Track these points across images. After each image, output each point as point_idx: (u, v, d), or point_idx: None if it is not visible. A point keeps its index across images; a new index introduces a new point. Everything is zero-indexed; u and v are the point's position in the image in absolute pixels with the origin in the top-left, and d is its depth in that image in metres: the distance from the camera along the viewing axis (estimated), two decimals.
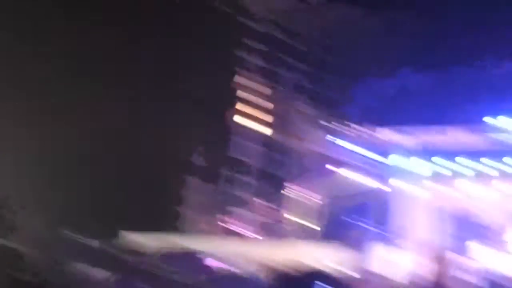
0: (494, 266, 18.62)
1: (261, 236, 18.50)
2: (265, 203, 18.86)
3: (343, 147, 21.09)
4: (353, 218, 20.88)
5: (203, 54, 17.67)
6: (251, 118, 18.41)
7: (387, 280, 18.03)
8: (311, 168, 20.21)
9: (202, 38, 17.78)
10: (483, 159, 20.99)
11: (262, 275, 15.91)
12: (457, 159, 21.19)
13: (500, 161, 20.65)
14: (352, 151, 21.48)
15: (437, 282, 17.95)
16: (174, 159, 18.34)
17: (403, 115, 18.82)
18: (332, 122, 20.01)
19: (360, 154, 22.07)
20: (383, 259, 20.83)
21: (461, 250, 20.84)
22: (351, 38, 18.51)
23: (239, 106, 18.56)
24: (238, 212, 18.72)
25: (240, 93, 19.14)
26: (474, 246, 19.51)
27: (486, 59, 17.98)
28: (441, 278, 18.86)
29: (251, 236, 18.37)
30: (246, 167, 18.71)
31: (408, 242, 20.70)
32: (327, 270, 17.78)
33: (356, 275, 18.04)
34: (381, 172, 22.97)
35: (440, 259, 20.22)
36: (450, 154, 21.05)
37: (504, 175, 21.10)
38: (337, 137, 20.70)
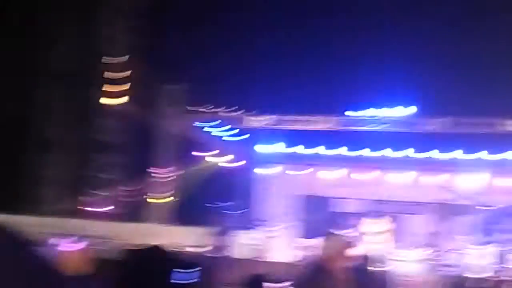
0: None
1: (122, 217, 18.13)
2: (127, 185, 18.49)
3: (209, 132, 21.07)
4: (215, 202, 20.95)
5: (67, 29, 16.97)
6: (115, 98, 17.88)
7: (248, 262, 18.25)
8: (176, 152, 20.04)
9: (62, 13, 17.06)
10: (342, 149, 21.78)
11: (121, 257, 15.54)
12: (319, 148, 21.83)
13: (359, 151, 21.52)
14: (218, 136, 21.54)
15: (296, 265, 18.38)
16: (33, 137, 17.51)
17: (269, 103, 19.11)
18: (200, 108, 19.94)
19: (226, 140, 22.23)
20: (246, 242, 21.17)
21: (318, 235, 21.49)
22: None
23: (103, 86, 17.95)
24: (99, 193, 18.21)
25: (104, 73, 18.51)
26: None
27: (349, 57, 18.53)
28: (298, 261, 19.40)
29: (112, 217, 17.96)
30: (109, 147, 18.19)
31: (269, 226, 21.06)
32: (188, 252, 17.74)
33: (218, 258, 18.11)
34: (246, 158, 23.29)
35: (301, 244, 20.79)
36: (312, 143, 21.64)
37: (361, 164, 22.00)
38: (204, 123, 20.65)
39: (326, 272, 5.13)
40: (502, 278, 16.34)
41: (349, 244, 6.32)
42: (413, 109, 18.50)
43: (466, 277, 16.42)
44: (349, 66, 18.24)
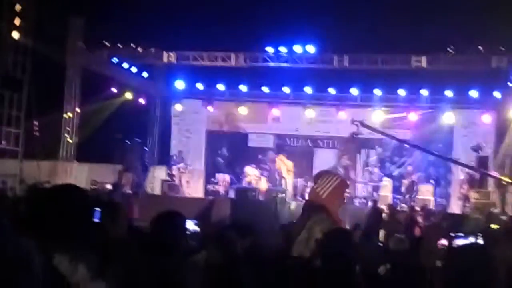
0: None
1: (33, 155, 17.74)
2: (38, 122, 17.99)
3: (124, 68, 20.68)
4: (129, 139, 20.79)
5: None
6: (17, 32, 17.10)
7: (163, 198, 18.41)
8: (89, 88, 19.60)
9: None
10: (264, 88, 21.96)
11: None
12: (235, 84, 21.93)
13: (280, 89, 21.77)
14: (133, 72, 21.20)
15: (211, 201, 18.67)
16: None
17: (185, 40, 18.89)
18: (117, 44, 19.46)
19: (143, 77, 21.92)
20: (161, 178, 21.26)
21: (233, 171, 21.81)
22: None
23: (5, 20, 17.09)
24: (7, 130, 17.66)
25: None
26: (247, 169, 20.48)
27: None
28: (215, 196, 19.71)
29: (22, 155, 17.56)
30: (15, 83, 17.52)
31: (184, 162, 21.17)
32: (102, 189, 17.68)
33: (133, 194, 18.16)
34: (162, 94, 23.12)
35: (220, 181, 21.06)
36: (227, 79, 21.68)
37: (279, 102, 22.30)
38: (118, 59, 20.22)
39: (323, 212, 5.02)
40: (412, 207, 17.14)
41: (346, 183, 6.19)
42: (312, 47, 18.81)
43: (378, 208, 17.12)
44: (255, 5, 18.21)
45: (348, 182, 20.06)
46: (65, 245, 1.69)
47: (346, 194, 5.71)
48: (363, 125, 17.83)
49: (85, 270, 1.67)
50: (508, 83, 19.47)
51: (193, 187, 21.44)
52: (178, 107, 22.97)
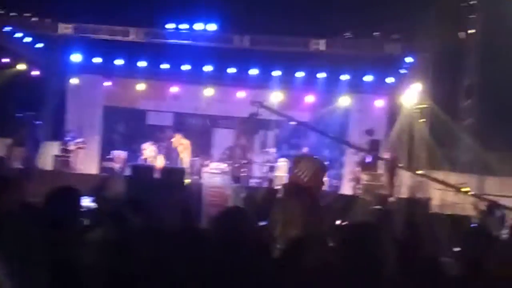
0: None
1: None
2: None
3: (17, 39, 19.84)
4: (21, 112, 20.03)
5: None
6: None
7: (56, 174, 17.93)
8: None
9: None
10: (163, 65, 21.68)
11: None
12: (139, 63, 21.53)
13: (177, 65, 21.55)
14: (26, 43, 20.39)
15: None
16: None
17: (85, 12, 18.31)
18: (10, 13, 18.60)
19: (38, 48, 21.13)
20: (54, 153, 20.67)
21: (130, 149, 21.52)
22: None
23: None
24: None
25: None
26: (145, 146, 20.28)
27: None
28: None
29: None
30: None
31: (79, 137, 20.66)
32: None
33: (25, 169, 17.56)
34: (56, 67, 22.36)
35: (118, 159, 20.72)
36: (126, 54, 21.27)
37: (179, 80, 22.11)
38: (11, 28, 19.35)
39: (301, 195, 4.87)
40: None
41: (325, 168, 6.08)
42: (213, 26, 18.83)
43: (274, 188, 17.42)
44: None
45: (245, 162, 20.48)
46: None
47: (324, 178, 5.72)
48: (263, 106, 18.07)
49: None
50: (401, 70, 20.26)
51: (88, 164, 20.96)
52: (74, 81, 22.31)
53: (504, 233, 9.44)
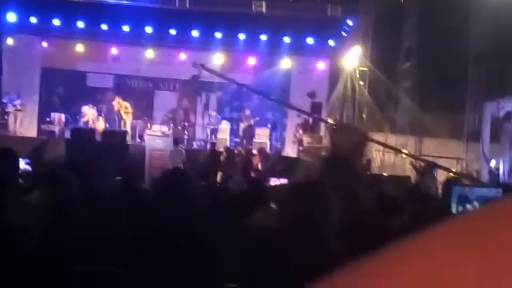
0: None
1: None
2: None
3: None
4: None
5: None
6: None
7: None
8: None
9: None
10: (103, 26, 21.20)
11: None
12: (78, 23, 21.01)
13: (118, 26, 21.11)
14: None
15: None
16: None
17: None
18: None
19: None
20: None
21: (70, 111, 21.12)
22: None
23: None
24: None
25: None
26: (85, 108, 19.98)
27: None
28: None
29: None
30: None
31: (17, 99, 20.07)
32: None
33: None
34: None
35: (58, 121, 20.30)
36: (65, 14, 20.72)
37: (119, 41, 21.69)
38: None
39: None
40: (249, 150, 17.62)
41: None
42: None
43: (216, 151, 17.44)
44: None
45: (187, 124, 20.40)
46: None
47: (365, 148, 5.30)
48: (204, 68, 17.92)
49: None
50: (342, 33, 20.38)
51: (26, 127, 20.46)
52: (9, 42, 21.58)
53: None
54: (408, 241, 0.69)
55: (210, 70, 18.66)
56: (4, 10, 20.70)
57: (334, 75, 21.12)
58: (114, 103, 20.17)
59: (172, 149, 16.78)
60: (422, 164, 13.02)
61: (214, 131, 20.39)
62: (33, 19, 21.11)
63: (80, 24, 21.06)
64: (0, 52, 21.52)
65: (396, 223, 4.11)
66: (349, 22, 19.65)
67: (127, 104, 20.09)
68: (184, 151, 16.99)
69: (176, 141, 17.18)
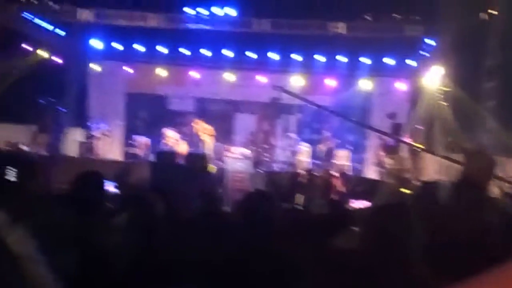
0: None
1: None
2: None
3: (37, 24, 19.94)
4: (45, 99, 20.16)
5: None
6: None
7: (80, 160, 18.04)
8: (5, 46, 18.77)
9: None
10: (183, 50, 21.70)
11: None
12: (160, 48, 21.60)
13: (198, 50, 21.56)
14: (47, 29, 20.48)
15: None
16: None
17: None
18: None
19: (59, 35, 21.21)
20: (78, 140, 20.83)
21: (153, 134, 21.58)
22: None
23: None
24: None
25: None
26: (167, 132, 20.36)
27: None
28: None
29: None
30: None
31: (101, 123, 20.70)
32: (18, 151, 17.15)
33: (50, 156, 17.69)
34: (78, 53, 22.45)
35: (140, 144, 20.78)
36: (147, 40, 21.32)
37: (199, 65, 22.12)
38: (31, 14, 19.44)
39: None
40: (329, 172, 17.53)
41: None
42: (232, 10, 18.80)
43: (296, 173, 17.41)
44: None
45: (267, 147, 20.49)
46: None
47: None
48: (284, 90, 18.03)
49: (4, 216, 1.62)
50: (423, 52, 20.05)
51: (112, 150, 21.10)
52: (96, 68, 22.44)
53: None
54: None
55: (290, 93, 18.74)
56: (90, 37, 21.55)
57: (415, 96, 20.77)
58: (196, 126, 20.48)
59: (252, 172, 16.86)
60: (507, 185, 12.57)
61: (294, 153, 20.38)
62: (117, 45, 21.88)
63: (162, 49, 21.65)
64: (87, 78, 22.38)
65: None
66: (430, 42, 19.32)
67: (208, 127, 20.35)
68: (264, 174, 17.05)
69: (257, 164, 17.29)
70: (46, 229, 1.74)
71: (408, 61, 20.99)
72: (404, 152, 19.61)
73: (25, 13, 19.25)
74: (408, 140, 19.11)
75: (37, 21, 19.81)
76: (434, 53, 19.15)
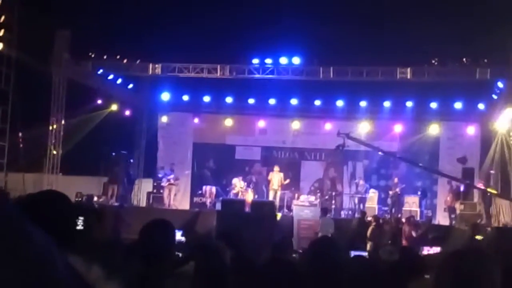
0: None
1: (19, 168, 17.60)
2: (23, 134, 17.84)
3: (109, 80, 20.56)
4: (115, 151, 20.68)
5: None
6: None
7: (149, 210, 18.28)
8: (74, 100, 19.44)
9: None
10: (250, 100, 21.97)
11: None
12: (227, 99, 21.95)
13: (266, 101, 21.77)
14: (118, 84, 21.08)
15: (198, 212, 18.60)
16: None
17: (172, 52, 18.81)
18: (103, 56, 19.36)
19: (129, 89, 21.77)
20: (147, 190, 21.17)
21: (220, 183, 21.72)
22: None
23: None
24: None
25: None
26: (234, 180, 20.43)
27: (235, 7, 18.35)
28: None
29: (8, 168, 17.38)
30: None
31: (170, 174, 20.97)
32: (90, 202, 17.55)
33: (119, 206, 18.01)
34: (147, 106, 22.98)
35: (209, 192, 20.94)
36: (218, 91, 21.67)
37: (266, 114, 22.29)
38: (103, 70, 20.08)
39: None
40: (399, 219, 17.23)
41: None
42: (298, 59, 18.92)
43: (365, 219, 17.14)
44: (241, 17, 18.14)
45: (334, 194, 20.30)
46: (75, 246, 1.67)
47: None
48: (349, 137, 17.91)
49: (100, 269, 1.65)
50: (493, 95, 19.63)
51: (180, 200, 21.35)
52: (164, 119, 22.94)
53: None
54: None
55: (355, 139, 18.61)
56: (159, 90, 22.12)
57: (485, 140, 20.32)
58: (272, 173, 20.33)
59: (322, 219, 16.69)
60: None
61: (362, 200, 20.12)
62: (185, 97, 22.36)
63: (229, 99, 21.98)
64: (156, 129, 22.89)
65: None
66: (500, 84, 18.91)
67: (281, 175, 20.19)
68: (333, 221, 16.86)
69: (325, 211, 17.12)
70: (116, 273, 1.77)
71: (478, 105, 20.58)
72: (476, 198, 19.10)
73: (98, 69, 19.90)
74: (479, 185, 18.62)
75: (109, 76, 20.46)
76: (505, 95, 18.71)
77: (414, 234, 15.71)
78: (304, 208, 18.21)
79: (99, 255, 1.66)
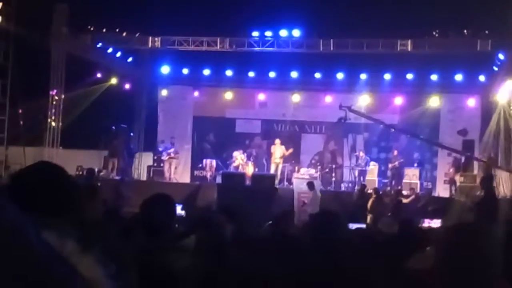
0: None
1: (18, 142, 17.62)
2: (22, 108, 17.82)
3: (109, 53, 20.46)
4: (116, 125, 20.68)
5: None
6: None
7: (149, 183, 18.33)
8: (73, 74, 19.37)
9: None
10: (250, 73, 21.88)
11: None
12: (226, 72, 21.85)
13: (266, 74, 21.67)
14: (118, 58, 20.99)
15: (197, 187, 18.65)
16: None
17: (172, 25, 18.70)
18: (102, 29, 19.24)
19: (128, 62, 21.67)
20: (147, 164, 21.22)
21: (220, 157, 21.74)
22: None
23: None
24: None
25: None
26: (235, 153, 20.44)
27: None
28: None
29: (8, 141, 17.40)
30: None
31: (171, 147, 20.97)
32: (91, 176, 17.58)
33: (120, 179, 18.06)
34: (148, 80, 22.91)
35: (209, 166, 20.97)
36: (213, 64, 21.59)
37: (266, 87, 22.22)
38: (103, 44, 19.97)
39: None
40: (398, 191, 17.30)
41: None
42: (297, 32, 18.82)
43: (365, 192, 17.19)
44: None
45: (335, 167, 20.33)
46: (49, 222, 1.66)
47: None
48: (351, 110, 17.88)
49: (75, 244, 1.65)
50: (493, 67, 19.55)
51: (180, 173, 21.37)
52: (164, 93, 22.88)
53: None
54: None
55: (357, 112, 18.58)
56: (158, 64, 22.02)
57: (486, 112, 20.28)
58: (274, 146, 20.31)
59: (320, 192, 16.71)
60: None
61: (362, 173, 20.13)
62: (185, 71, 22.26)
63: (229, 72, 21.89)
64: (156, 103, 22.85)
65: None
66: (501, 56, 18.82)
67: (283, 148, 20.15)
68: (332, 193, 16.89)
69: (324, 184, 17.16)
70: (116, 253, 1.76)
71: (478, 77, 20.50)
72: (476, 170, 19.13)
73: (97, 43, 19.81)
74: (480, 156, 18.63)
75: (108, 50, 20.36)
76: (505, 67, 18.63)
77: (414, 206, 15.79)
78: (304, 181, 18.24)
79: (76, 231, 1.66)
